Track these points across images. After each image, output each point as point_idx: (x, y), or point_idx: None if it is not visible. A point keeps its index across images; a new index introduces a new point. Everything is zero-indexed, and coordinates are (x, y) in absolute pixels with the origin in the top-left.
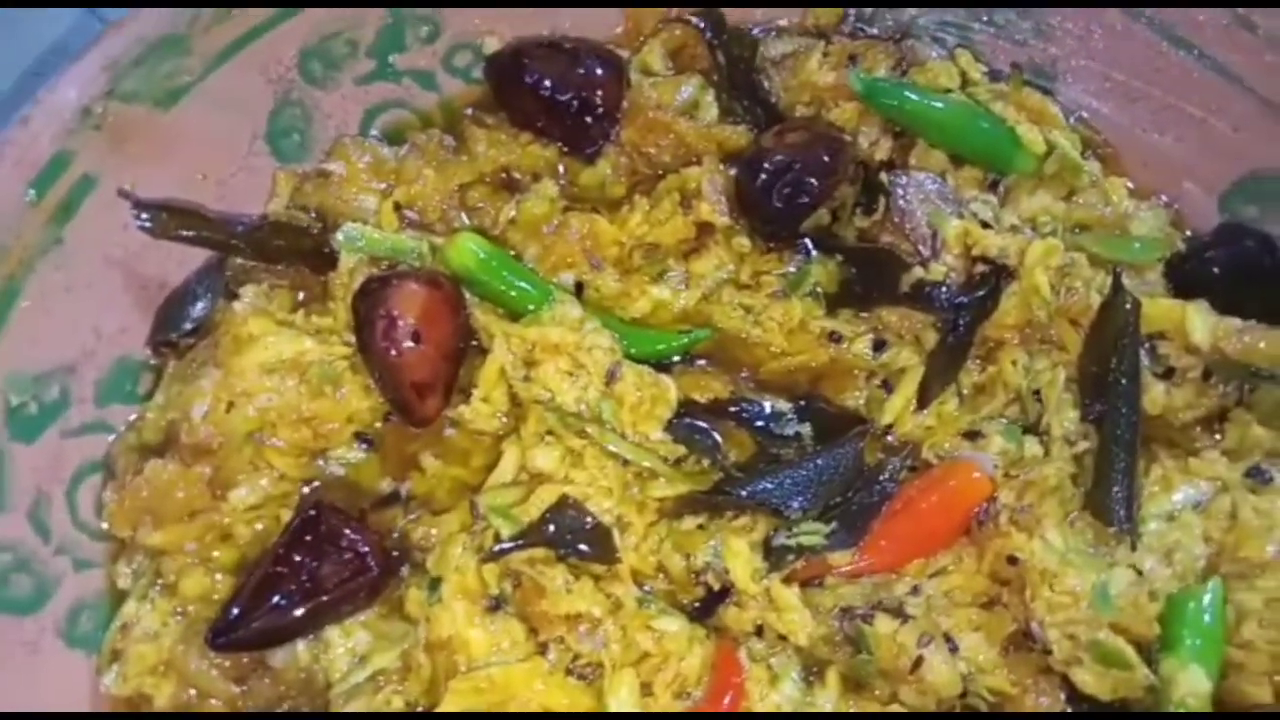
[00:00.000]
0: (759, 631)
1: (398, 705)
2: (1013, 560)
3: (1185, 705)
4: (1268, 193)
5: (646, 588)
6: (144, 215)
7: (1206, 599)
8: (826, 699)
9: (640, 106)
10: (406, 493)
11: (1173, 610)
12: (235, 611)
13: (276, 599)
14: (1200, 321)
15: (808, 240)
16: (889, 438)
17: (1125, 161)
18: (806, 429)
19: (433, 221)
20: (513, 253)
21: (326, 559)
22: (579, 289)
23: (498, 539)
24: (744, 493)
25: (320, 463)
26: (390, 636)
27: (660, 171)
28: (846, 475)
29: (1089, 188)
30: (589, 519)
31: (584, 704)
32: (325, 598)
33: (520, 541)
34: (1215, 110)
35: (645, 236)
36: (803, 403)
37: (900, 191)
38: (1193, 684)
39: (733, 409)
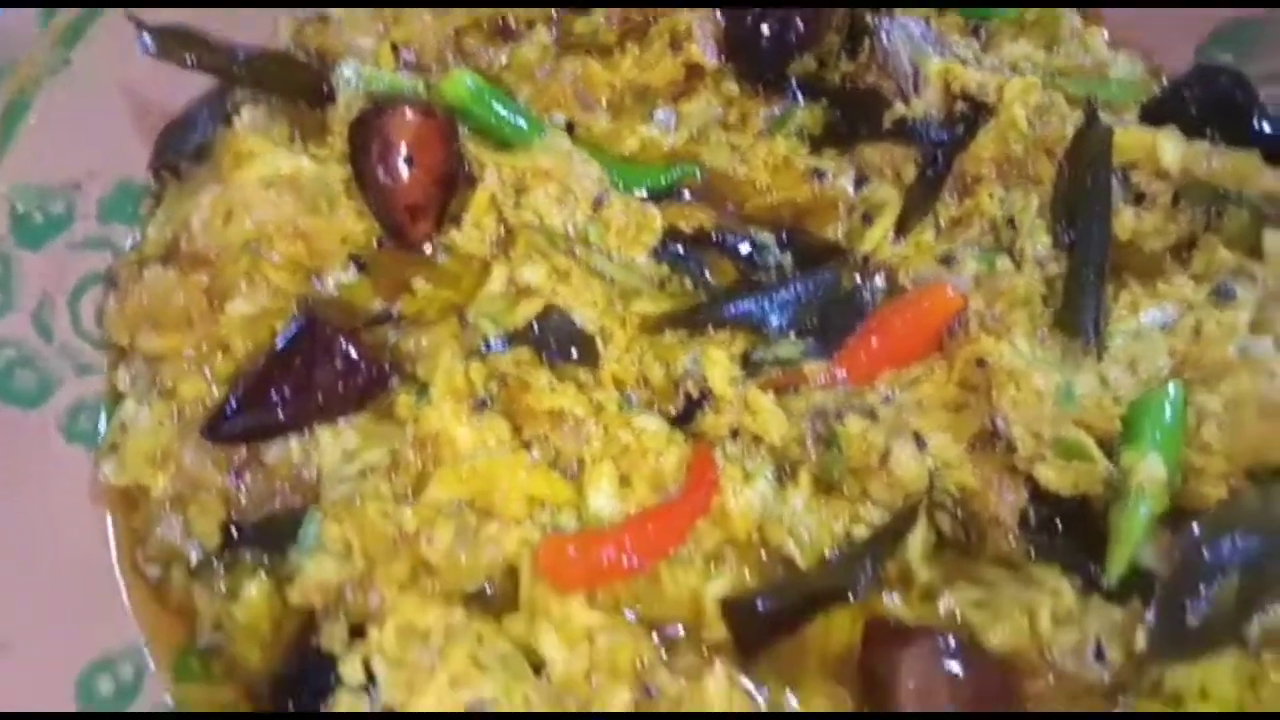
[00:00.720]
0: (734, 435)
1: (385, 494)
2: (981, 363)
3: (1142, 492)
4: (1243, 38)
5: (628, 394)
6: (148, 36)
7: (1168, 397)
8: (798, 497)
9: None
10: (397, 312)
11: (1135, 410)
12: (230, 406)
13: (270, 396)
14: (1171, 146)
15: (795, 85)
16: (867, 265)
17: (1104, 12)
18: (788, 258)
19: (429, 63)
20: (507, 94)
21: (319, 363)
22: (570, 129)
23: (486, 343)
24: (725, 311)
25: (315, 282)
26: (379, 436)
27: (653, 18)
28: (824, 298)
29: (1069, 38)
30: (574, 326)
31: (564, 495)
32: (317, 398)
33: (507, 343)
34: None
35: (636, 79)
36: (785, 234)
37: (884, 33)
38: (1150, 471)
39: (717, 238)
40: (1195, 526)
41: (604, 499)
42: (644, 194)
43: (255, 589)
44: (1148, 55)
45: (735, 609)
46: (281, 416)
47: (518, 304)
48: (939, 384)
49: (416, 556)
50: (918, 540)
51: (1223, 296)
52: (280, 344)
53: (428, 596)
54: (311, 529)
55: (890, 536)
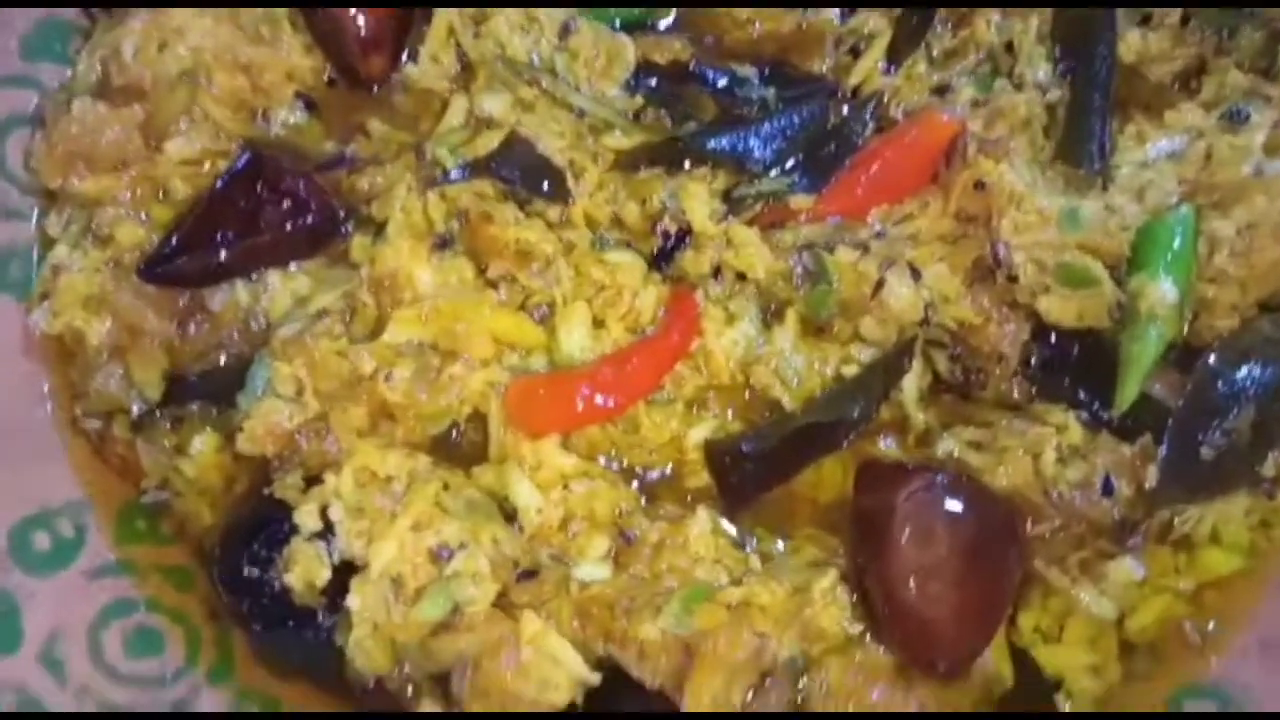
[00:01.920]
0: (716, 275)
1: (341, 339)
2: (980, 186)
3: (1153, 315)
4: None
5: (601, 235)
6: None
7: (1179, 220)
8: (784, 338)
9: None
10: (351, 154)
11: (1143, 235)
12: (170, 245)
13: (213, 237)
14: None
15: None
16: (856, 97)
17: None
18: (771, 93)
19: None
20: None
21: (267, 202)
22: None
23: (444, 173)
24: (705, 144)
25: (261, 123)
26: (333, 280)
27: None
28: (812, 131)
29: None
30: (541, 157)
31: (532, 335)
32: (264, 238)
33: (467, 171)
34: None
35: None
36: (767, 69)
37: None
38: (1161, 294)
39: (695, 71)
40: (1209, 356)
41: (577, 341)
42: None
43: (204, 443)
44: None
45: (719, 452)
46: (226, 258)
47: (479, 135)
48: (934, 217)
49: (375, 400)
50: (913, 382)
51: (1235, 119)
52: (224, 180)
53: (389, 444)
54: (261, 373)
55: (884, 371)
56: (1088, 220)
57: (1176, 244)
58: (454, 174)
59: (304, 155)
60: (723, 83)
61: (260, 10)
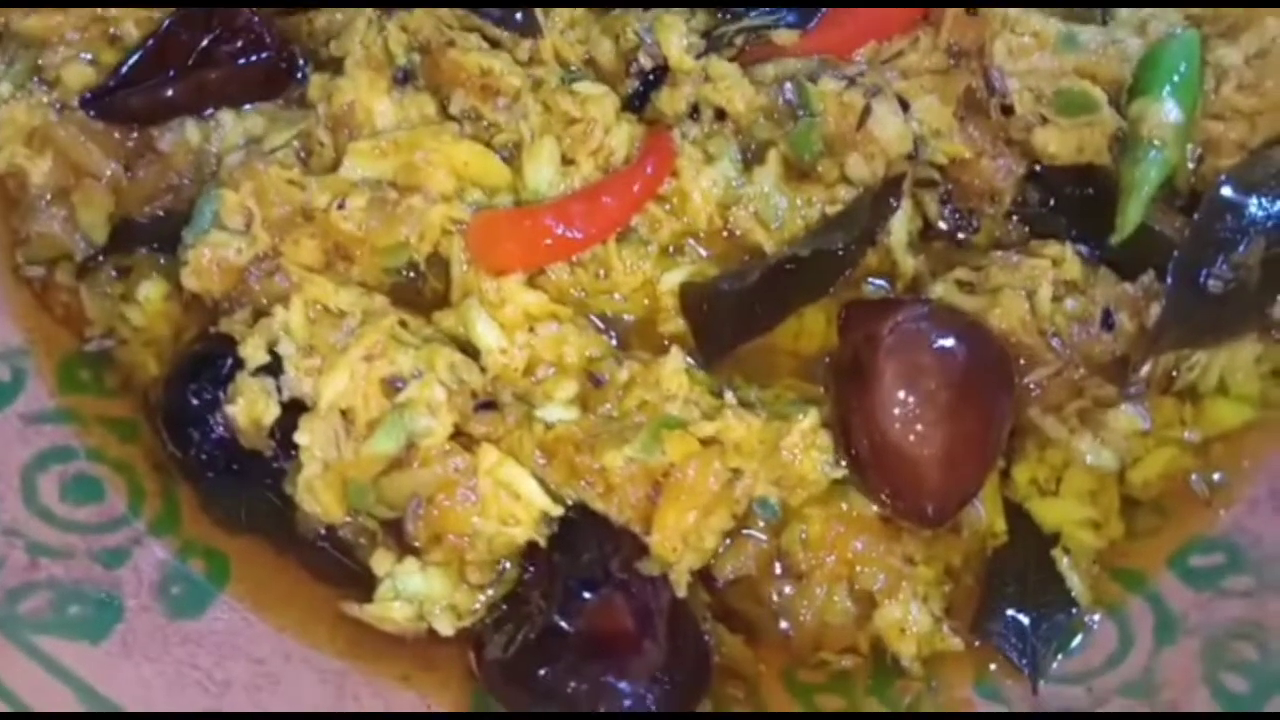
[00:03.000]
0: (694, 115)
1: (293, 169)
2: (973, 11)
3: (1154, 137)
4: None
5: (572, 73)
6: None
7: (1184, 42)
8: (765, 179)
9: None
10: None
11: (1145, 62)
12: (117, 77)
13: (164, 71)
14: None
15: None
16: None
17: None
18: None
19: None
20: None
21: (220, 39)
22: None
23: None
24: None
25: None
26: (288, 120)
27: None
28: None
29: None
30: None
31: (496, 170)
32: (216, 73)
33: None
34: None
35: None
36: None
37: None
38: (1163, 115)
39: None
40: (1220, 183)
41: (544, 178)
42: None
43: (152, 289)
44: None
45: (695, 295)
46: (175, 93)
47: None
48: (925, 52)
49: (329, 236)
50: (902, 224)
51: None
52: (176, 15)
53: (344, 282)
54: (208, 206)
55: (871, 205)
56: (1086, 43)
57: (1181, 69)
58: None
59: None
60: None
61: None
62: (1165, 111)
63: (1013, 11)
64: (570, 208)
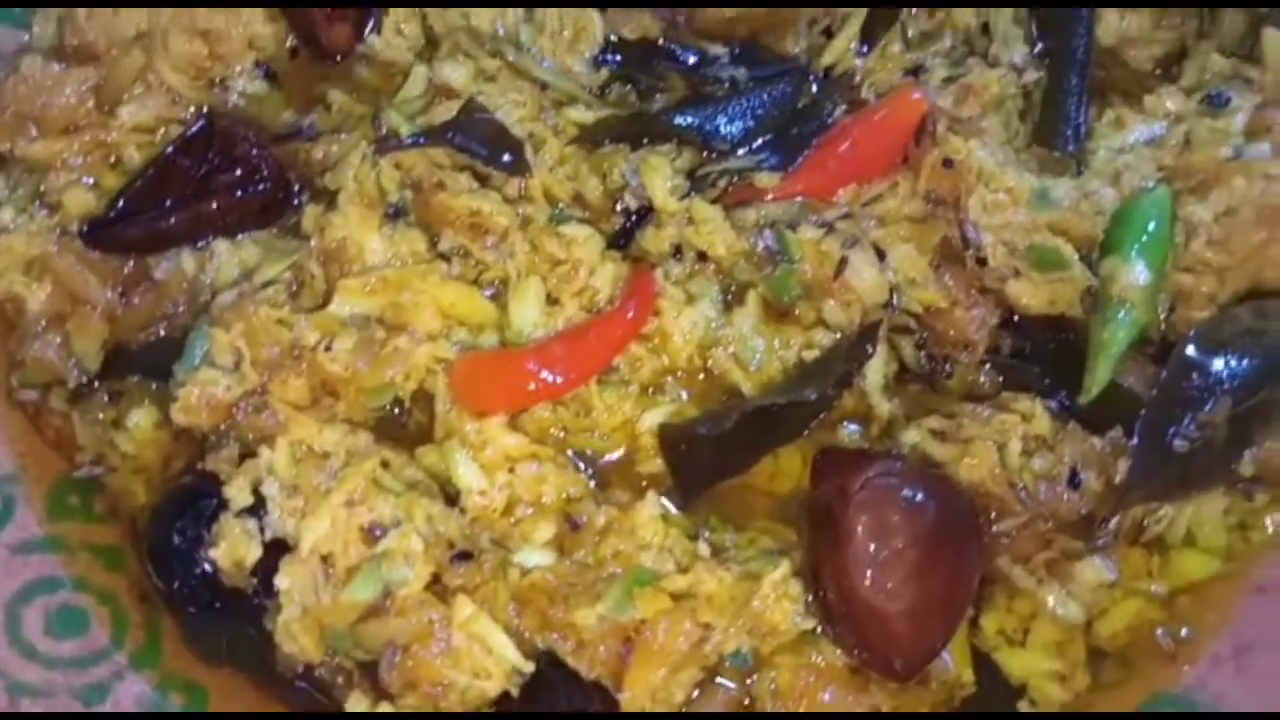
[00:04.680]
0: (677, 254)
1: (283, 307)
2: (948, 163)
3: (1124, 298)
4: None
5: (560, 211)
6: None
7: (1154, 201)
8: (745, 320)
9: None
10: (310, 125)
11: (1117, 218)
12: (117, 209)
13: (162, 201)
14: None
15: None
16: (827, 77)
17: None
18: (742, 73)
19: None
20: None
21: (218, 169)
22: None
23: (398, 138)
24: (671, 120)
25: (219, 90)
26: (283, 251)
27: None
28: (780, 110)
29: None
30: (500, 126)
31: (483, 309)
32: (214, 204)
33: (422, 138)
34: None
35: None
36: (738, 48)
37: None
38: (1134, 276)
39: (664, 48)
40: (1186, 342)
41: (529, 318)
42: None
43: (142, 417)
44: None
45: (673, 436)
46: (172, 224)
47: (437, 103)
48: (903, 198)
49: (316, 374)
50: (878, 369)
51: (1215, 103)
52: (175, 145)
53: (330, 419)
54: (199, 342)
55: (847, 353)
56: (1059, 200)
57: (1151, 227)
58: (409, 140)
59: (262, 125)
60: (692, 60)
61: None
62: (1135, 273)
63: (988, 166)
64: (552, 351)
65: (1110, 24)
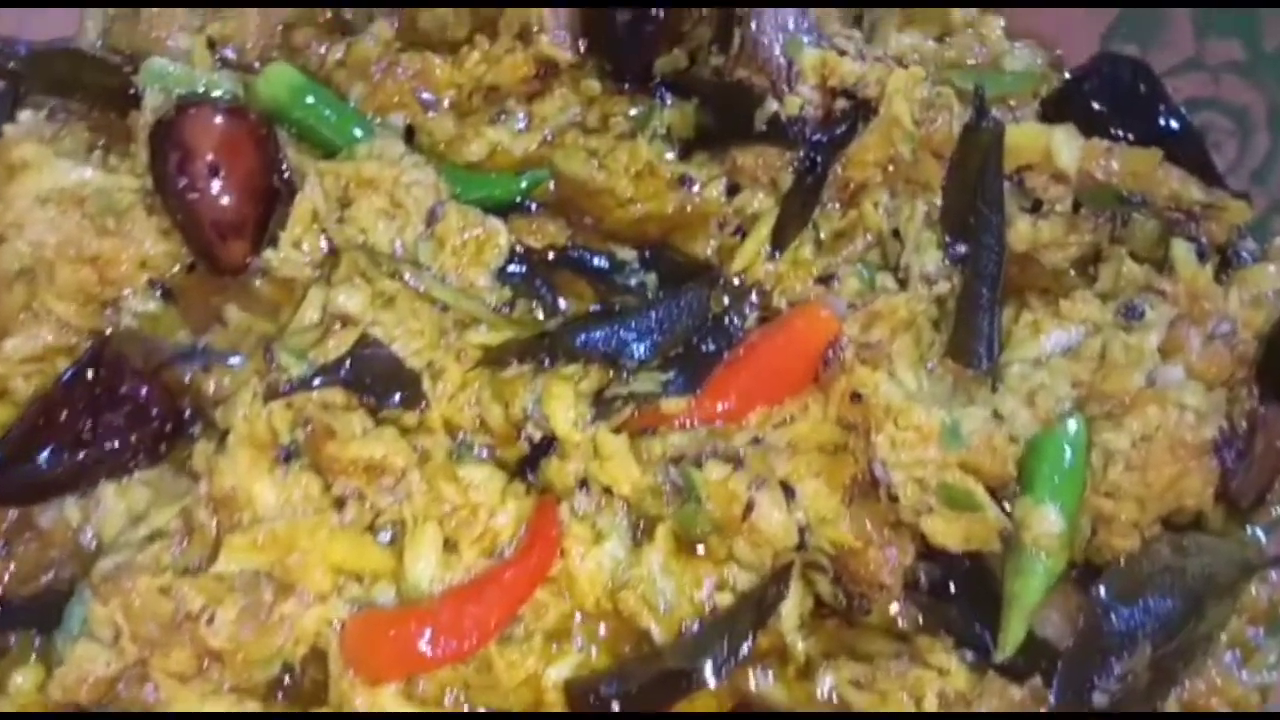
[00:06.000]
0: (584, 486)
1: (167, 565)
2: (856, 397)
3: (1037, 547)
4: (1148, 27)
5: (462, 438)
6: None
7: (1069, 433)
8: (654, 558)
9: None
10: (205, 346)
11: (1032, 450)
12: None
13: (44, 450)
14: (1066, 144)
15: (663, 85)
16: (739, 284)
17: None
18: (651, 278)
19: (251, 61)
20: (337, 93)
21: (103, 410)
22: (410, 133)
23: (289, 383)
24: (576, 340)
25: (110, 313)
26: (172, 493)
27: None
28: (690, 323)
29: (962, 28)
30: (395, 361)
31: (378, 561)
32: (98, 451)
33: (313, 381)
34: None
35: (484, 77)
36: (648, 252)
37: (756, 23)
38: (1046, 523)
39: (572, 255)
40: (1100, 588)
41: (424, 570)
42: (490, 207)
43: (25, 679)
44: (1049, 46)
45: (581, 693)
46: (55, 473)
47: (330, 335)
48: (814, 422)
49: (200, 643)
50: (792, 608)
51: (1130, 316)
52: (59, 387)
53: (216, 690)
54: (78, 610)
55: (757, 606)
56: (970, 436)
57: (1066, 461)
58: (298, 382)
59: (155, 347)
60: (602, 264)
61: (106, 199)
62: (1049, 520)
63: (896, 402)
64: (448, 615)
65: (1022, 230)
